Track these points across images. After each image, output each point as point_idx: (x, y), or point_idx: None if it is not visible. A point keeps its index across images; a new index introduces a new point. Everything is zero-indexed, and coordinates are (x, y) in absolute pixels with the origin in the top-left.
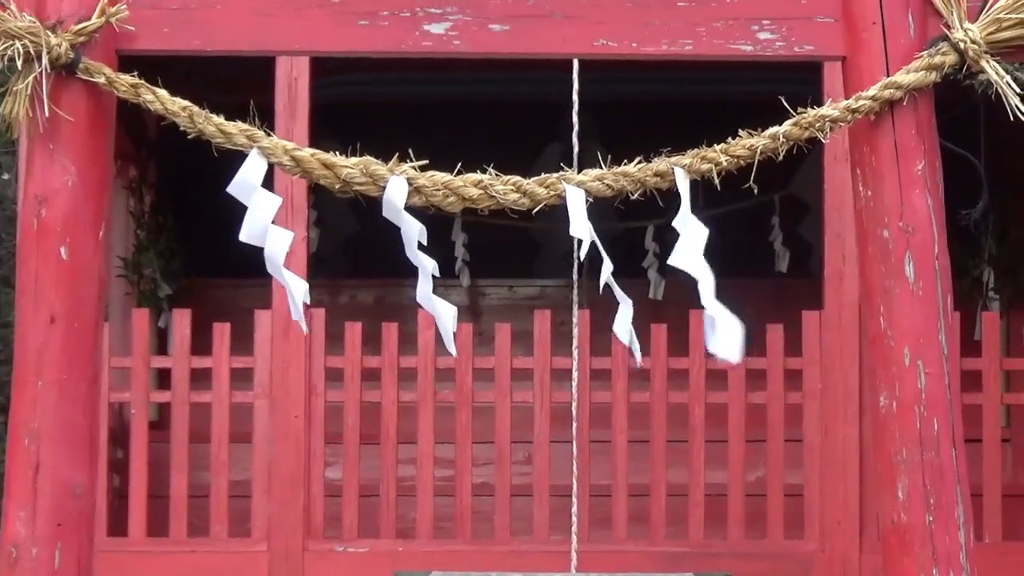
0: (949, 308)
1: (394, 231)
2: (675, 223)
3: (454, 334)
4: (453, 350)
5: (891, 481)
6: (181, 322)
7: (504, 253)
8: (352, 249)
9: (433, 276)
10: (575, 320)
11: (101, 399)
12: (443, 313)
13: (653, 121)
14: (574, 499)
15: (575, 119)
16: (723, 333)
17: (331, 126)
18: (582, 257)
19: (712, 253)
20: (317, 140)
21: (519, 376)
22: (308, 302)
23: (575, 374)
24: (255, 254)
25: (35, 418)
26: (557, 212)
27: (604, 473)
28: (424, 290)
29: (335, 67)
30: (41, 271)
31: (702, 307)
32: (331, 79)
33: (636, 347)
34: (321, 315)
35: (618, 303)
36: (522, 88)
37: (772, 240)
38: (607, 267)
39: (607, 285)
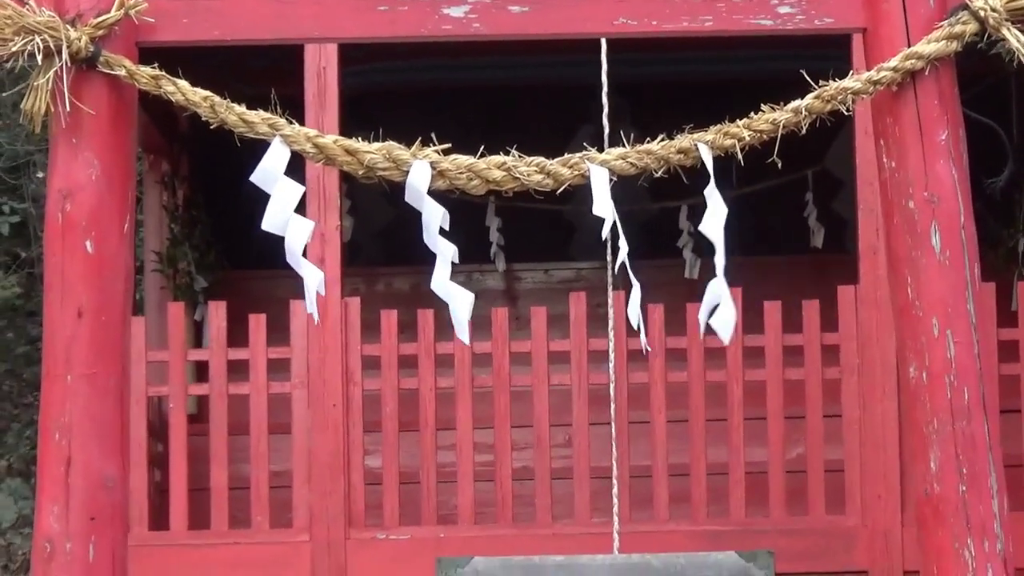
0: (977, 277)
1: None
2: (705, 192)
3: (468, 322)
4: (466, 338)
5: (923, 452)
6: (217, 314)
7: (539, 237)
8: (387, 237)
9: (453, 263)
10: (611, 302)
11: (139, 394)
12: (458, 300)
13: (686, 102)
14: (615, 481)
15: (604, 100)
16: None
17: (362, 116)
18: (604, 235)
19: (748, 230)
20: (347, 130)
21: (556, 359)
22: (322, 292)
23: (612, 356)
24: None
25: (65, 412)
26: (591, 194)
27: (644, 454)
28: (440, 276)
29: (364, 56)
30: (67, 265)
31: (735, 285)
32: (360, 68)
33: (643, 330)
34: (357, 303)
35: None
36: (552, 71)
37: (807, 216)
38: (623, 248)
39: (623, 266)
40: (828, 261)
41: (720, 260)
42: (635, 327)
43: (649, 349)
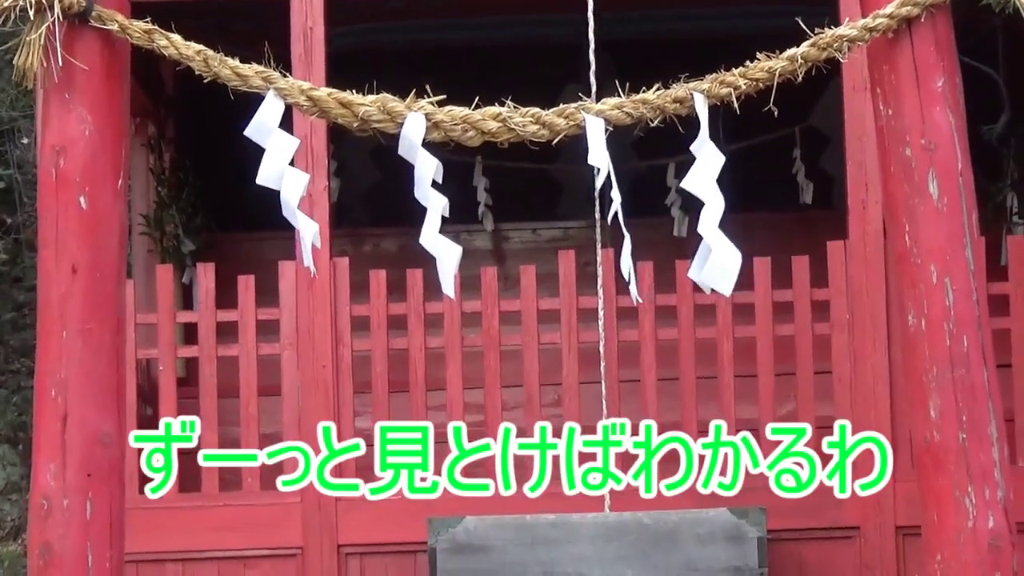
0: (974, 224)
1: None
2: (693, 147)
3: (454, 277)
4: (451, 292)
5: (923, 400)
6: (205, 276)
7: (527, 196)
8: (374, 197)
9: (443, 217)
10: (599, 259)
11: (128, 356)
12: (446, 254)
13: (673, 59)
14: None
15: (592, 57)
16: (719, 263)
17: (348, 76)
18: (598, 186)
19: (736, 187)
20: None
21: (546, 318)
22: (318, 244)
23: (602, 314)
24: (276, 205)
25: (61, 368)
26: (579, 153)
27: (634, 412)
28: (430, 229)
29: (349, 16)
30: (62, 222)
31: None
32: (347, 28)
33: (634, 282)
34: (345, 264)
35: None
36: (539, 30)
37: (795, 172)
38: (616, 199)
39: (615, 218)
40: (816, 217)
41: (718, 211)
42: (626, 279)
43: (640, 300)
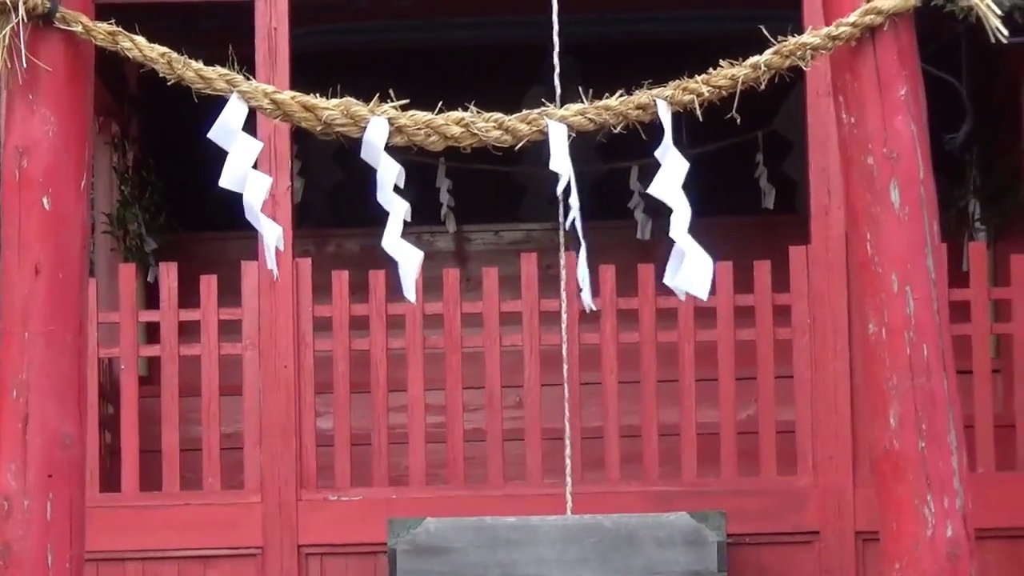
0: (936, 233)
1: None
2: (657, 153)
3: (415, 281)
4: (412, 296)
5: (883, 408)
6: (168, 275)
7: (489, 198)
8: (337, 198)
9: (404, 222)
10: (562, 262)
11: (90, 355)
12: (407, 258)
13: (637, 62)
14: (567, 442)
15: (556, 60)
16: (692, 268)
17: (312, 77)
18: (559, 191)
19: (699, 191)
20: (298, 90)
21: (508, 320)
22: (281, 247)
23: (564, 316)
24: (240, 206)
25: (23, 370)
26: (541, 155)
27: (595, 415)
28: (392, 233)
29: (315, 16)
30: (25, 222)
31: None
32: (312, 28)
33: (587, 291)
34: (307, 265)
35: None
36: (503, 31)
37: (757, 177)
38: (574, 205)
39: (573, 224)
40: (778, 222)
41: (685, 217)
42: (580, 286)
43: (593, 308)
